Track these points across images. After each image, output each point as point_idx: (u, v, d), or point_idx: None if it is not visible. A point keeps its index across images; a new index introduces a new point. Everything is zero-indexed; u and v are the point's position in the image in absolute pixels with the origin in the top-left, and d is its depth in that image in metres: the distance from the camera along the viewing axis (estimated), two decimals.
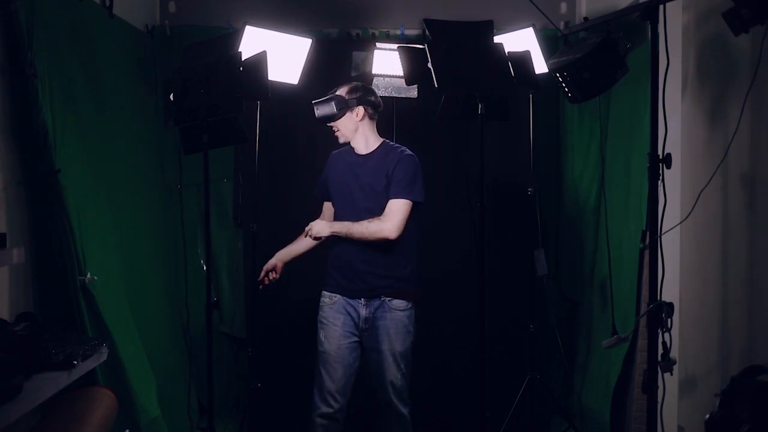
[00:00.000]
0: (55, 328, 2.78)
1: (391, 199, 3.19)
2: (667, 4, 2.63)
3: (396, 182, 3.20)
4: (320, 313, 3.34)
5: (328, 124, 3.32)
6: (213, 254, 3.26)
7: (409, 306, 3.29)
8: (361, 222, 3.18)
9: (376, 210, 3.21)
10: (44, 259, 2.97)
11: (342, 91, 3.30)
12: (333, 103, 3.23)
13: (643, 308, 3.27)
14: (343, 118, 3.28)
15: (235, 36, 3.29)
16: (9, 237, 2.42)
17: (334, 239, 3.27)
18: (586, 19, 3.72)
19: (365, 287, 3.26)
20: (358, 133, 3.31)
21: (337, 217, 3.33)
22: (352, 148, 3.35)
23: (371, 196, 3.24)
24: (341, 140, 3.34)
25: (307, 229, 3.24)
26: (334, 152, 3.44)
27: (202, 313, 2.99)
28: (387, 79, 3.86)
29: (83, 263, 2.93)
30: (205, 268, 2.93)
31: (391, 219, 3.16)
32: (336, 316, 3.29)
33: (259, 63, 2.82)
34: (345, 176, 3.32)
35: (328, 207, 3.44)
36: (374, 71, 3.88)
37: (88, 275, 2.93)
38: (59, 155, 2.87)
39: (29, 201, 2.92)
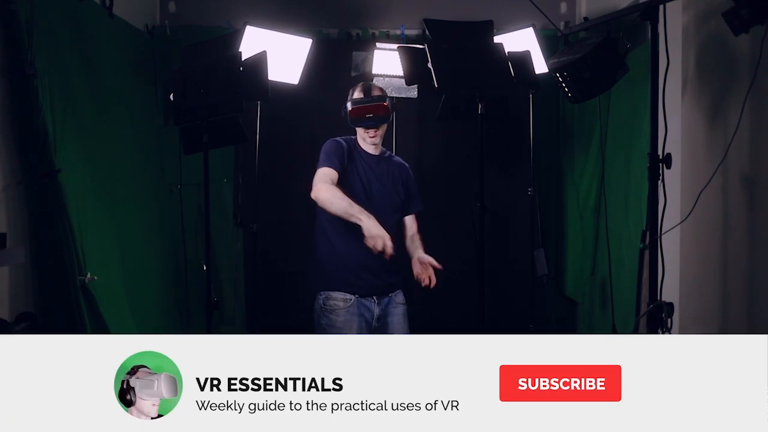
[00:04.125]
0: (54, 328, 2.78)
1: (413, 213, 3.34)
2: (667, 4, 2.62)
3: (414, 196, 3.34)
4: (330, 316, 3.16)
5: (372, 127, 3.19)
6: (213, 254, 3.25)
7: (404, 299, 3.32)
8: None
9: (399, 209, 3.27)
10: (44, 259, 2.97)
11: (378, 90, 3.24)
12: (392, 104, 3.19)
13: (643, 308, 3.27)
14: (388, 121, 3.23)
15: (235, 36, 3.29)
16: (9, 237, 2.42)
17: (346, 236, 3.16)
18: (586, 19, 3.71)
19: (380, 284, 3.21)
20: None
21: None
22: (360, 147, 3.31)
23: (394, 197, 3.25)
24: (377, 141, 3.23)
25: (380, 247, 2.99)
26: (339, 139, 3.28)
27: (202, 313, 2.99)
28: (387, 79, 3.86)
29: (83, 263, 2.93)
30: (205, 268, 2.93)
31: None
32: (351, 319, 3.15)
33: (259, 63, 2.82)
34: (367, 173, 3.24)
35: (331, 173, 3.12)
36: (374, 71, 3.88)
37: (88, 275, 2.93)
38: (59, 155, 2.87)
39: (29, 201, 2.92)
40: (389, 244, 2.91)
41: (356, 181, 3.19)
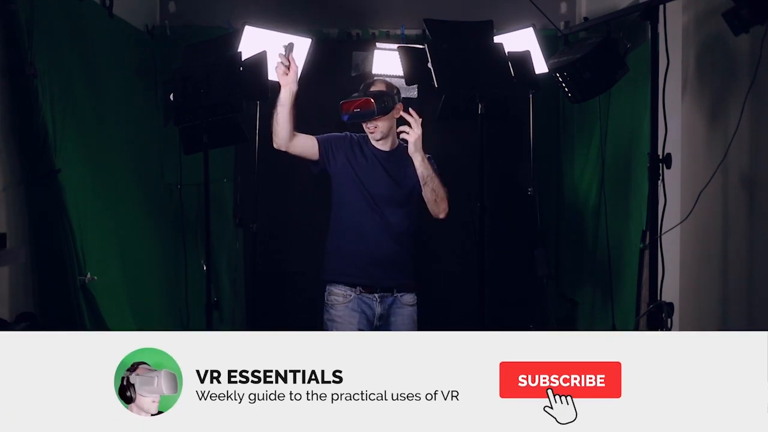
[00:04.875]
0: (54, 328, 2.78)
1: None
2: (667, 4, 2.63)
3: None
4: (331, 311, 3.19)
5: (369, 121, 3.22)
6: (213, 254, 3.25)
7: (416, 301, 3.28)
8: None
9: (408, 203, 3.26)
10: (44, 259, 2.97)
11: (382, 86, 3.26)
12: (393, 96, 3.22)
13: (643, 308, 3.27)
14: (389, 114, 3.24)
15: (235, 36, 3.29)
16: (9, 237, 2.42)
17: (348, 231, 3.20)
18: (586, 19, 3.72)
19: (386, 281, 3.20)
20: (392, 129, 3.29)
21: (346, 202, 3.25)
22: (370, 143, 3.30)
23: (404, 191, 3.25)
24: (378, 137, 3.25)
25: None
26: (349, 134, 3.34)
27: (202, 313, 2.99)
28: (387, 79, 3.85)
29: (83, 263, 2.93)
30: (205, 268, 2.93)
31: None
32: (351, 314, 3.15)
33: (259, 63, 2.83)
34: (375, 167, 3.26)
35: (311, 139, 3.26)
36: (374, 71, 3.88)
37: (88, 275, 2.93)
38: (59, 155, 2.87)
39: (29, 201, 2.92)
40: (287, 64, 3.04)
41: (352, 174, 3.23)
